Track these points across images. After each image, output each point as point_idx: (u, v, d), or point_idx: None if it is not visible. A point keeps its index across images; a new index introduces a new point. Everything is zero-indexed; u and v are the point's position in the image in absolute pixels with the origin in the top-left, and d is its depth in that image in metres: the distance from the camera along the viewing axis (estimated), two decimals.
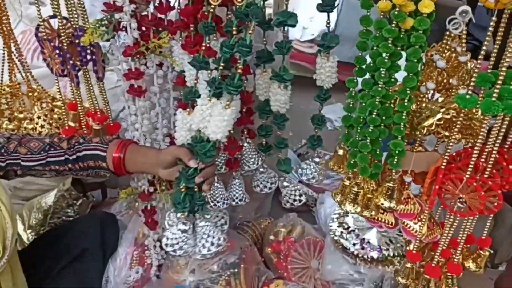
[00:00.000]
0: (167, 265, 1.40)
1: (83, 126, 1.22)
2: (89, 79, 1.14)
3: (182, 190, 0.95)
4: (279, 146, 1.18)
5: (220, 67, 0.89)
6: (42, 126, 1.26)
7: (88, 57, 1.07)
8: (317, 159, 1.25)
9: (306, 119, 1.21)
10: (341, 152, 1.12)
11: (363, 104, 0.92)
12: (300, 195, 1.28)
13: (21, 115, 1.29)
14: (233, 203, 1.27)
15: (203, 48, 0.95)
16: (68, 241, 1.29)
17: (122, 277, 1.33)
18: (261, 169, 1.25)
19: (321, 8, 0.96)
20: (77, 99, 1.17)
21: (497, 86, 0.81)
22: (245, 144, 1.20)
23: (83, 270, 1.27)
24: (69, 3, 1.06)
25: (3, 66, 1.25)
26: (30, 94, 1.27)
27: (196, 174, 0.94)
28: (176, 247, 1.03)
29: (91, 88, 1.15)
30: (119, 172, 1.05)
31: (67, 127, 1.21)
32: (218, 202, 1.23)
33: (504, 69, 0.80)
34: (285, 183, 1.26)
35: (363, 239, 1.50)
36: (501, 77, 0.80)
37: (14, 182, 1.77)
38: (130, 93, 1.07)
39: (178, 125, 0.99)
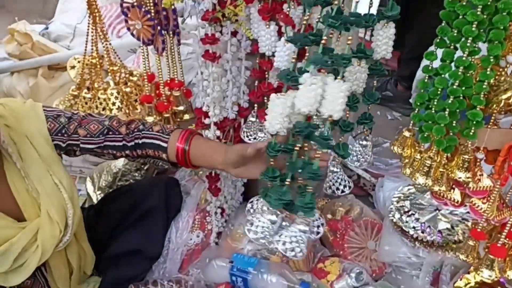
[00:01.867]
0: (226, 232, 1.43)
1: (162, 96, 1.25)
2: (172, 45, 1.19)
3: (287, 184, 0.84)
4: (344, 129, 1.08)
5: (323, 41, 0.80)
6: (116, 98, 1.30)
7: (173, 22, 1.11)
8: (364, 142, 1.15)
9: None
10: (407, 134, 1.10)
11: (443, 76, 0.91)
12: (345, 186, 1.19)
13: (96, 85, 1.35)
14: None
15: (281, 15, 0.96)
16: (134, 200, 1.35)
17: (183, 239, 1.38)
18: (334, 168, 1.17)
19: None
20: (158, 69, 1.21)
21: None
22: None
23: (147, 228, 1.33)
24: None
25: (87, 37, 1.31)
26: (110, 68, 1.33)
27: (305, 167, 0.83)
28: (260, 235, 0.92)
29: (173, 54, 1.19)
30: (182, 164, 1.03)
31: (147, 93, 1.24)
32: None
33: None
34: (334, 168, 1.17)
35: (424, 223, 1.48)
36: None
37: None
38: (205, 57, 1.10)
39: (274, 111, 0.83)
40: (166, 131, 1.05)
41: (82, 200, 1.66)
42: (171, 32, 1.15)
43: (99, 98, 1.29)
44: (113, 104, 1.27)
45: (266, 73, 1.13)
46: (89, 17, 1.30)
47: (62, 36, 2.22)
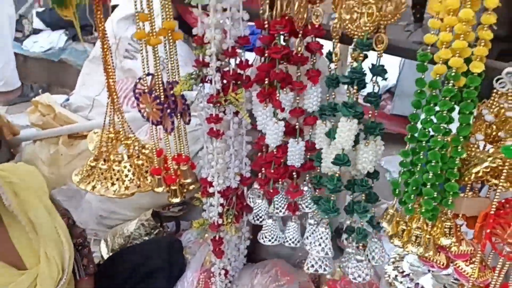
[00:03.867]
0: None
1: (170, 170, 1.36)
2: (180, 124, 1.31)
3: None
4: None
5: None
6: (129, 171, 1.41)
7: (182, 105, 1.24)
8: (359, 257, 1.19)
9: None
10: (391, 211, 1.14)
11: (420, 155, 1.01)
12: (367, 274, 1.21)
13: (112, 157, 1.46)
14: (286, 244, 1.32)
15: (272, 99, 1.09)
16: (138, 261, 1.42)
17: None
18: (358, 257, 1.19)
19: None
20: (166, 145, 1.33)
21: None
22: (305, 188, 1.28)
23: None
24: (160, 60, 1.24)
25: (106, 113, 1.43)
26: (125, 142, 1.45)
27: None
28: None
29: (180, 133, 1.31)
30: None
31: (156, 166, 1.36)
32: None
33: None
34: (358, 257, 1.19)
35: (417, 283, 1.53)
36: None
37: (100, 211, 1.97)
38: (210, 134, 1.21)
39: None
40: None
41: (96, 261, 1.73)
42: (179, 114, 1.27)
43: (113, 170, 1.40)
44: (126, 176, 1.38)
45: (264, 147, 1.24)
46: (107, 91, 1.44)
47: (82, 107, 2.38)
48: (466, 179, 1.03)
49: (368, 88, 1.02)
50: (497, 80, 0.99)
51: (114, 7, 2.64)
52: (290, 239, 1.31)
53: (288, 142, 1.18)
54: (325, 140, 1.11)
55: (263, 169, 1.26)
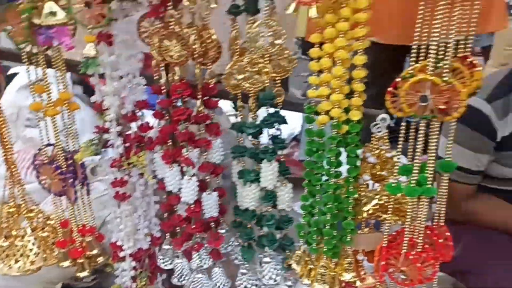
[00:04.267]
0: None
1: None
2: (83, 193, 1.28)
3: None
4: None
5: None
6: (33, 244, 1.34)
7: (82, 174, 1.22)
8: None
9: None
10: (299, 252, 1.20)
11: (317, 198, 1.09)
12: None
13: (14, 233, 1.39)
14: None
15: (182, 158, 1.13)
16: None
17: None
18: (243, 270, 1.26)
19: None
20: (71, 216, 1.29)
21: (415, 175, 1.00)
22: (222, 231, 1.29)
23: None
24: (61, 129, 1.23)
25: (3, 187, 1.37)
26: (28, 214, 1.39)
27: None
28: None
29: (84, 202, 1.29)
30: None
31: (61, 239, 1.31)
32: None
33: (417, 160, 1.00)
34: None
35: None
36: (416, 167, 0.99)
37: None
38: (116, 198, 1.21)
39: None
40: None
41: None
42: (80, 184, 1.25)
43: (16, 246, 1.32)
44: (31, 250, 1.31)
45: (175, 206, 1.25)
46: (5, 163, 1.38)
47: None
48: (360, 217, 1.12)
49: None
50: (373, 126, 1.11)
51: (14, 75, 2.58)
52: (220, 284, 1.31)
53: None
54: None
55: (177, 228, 1.26)
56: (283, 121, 1.09)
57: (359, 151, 1.09)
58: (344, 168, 1.12)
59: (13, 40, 1.11)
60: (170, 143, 1.18)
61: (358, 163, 1.10)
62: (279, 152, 1.13)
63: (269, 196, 1.14)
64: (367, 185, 1.18)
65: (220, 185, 1.22)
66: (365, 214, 1.10)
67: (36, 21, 1.03)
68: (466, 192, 1.44)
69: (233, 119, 1.22)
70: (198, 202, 1.21)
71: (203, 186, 1.22)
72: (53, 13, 1.02)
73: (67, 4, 1.04)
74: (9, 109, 2.43)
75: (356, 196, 1.12)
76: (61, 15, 1.02)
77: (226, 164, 1.22)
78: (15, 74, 2.57)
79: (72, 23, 1.05)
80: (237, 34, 1.02)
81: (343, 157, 1.10)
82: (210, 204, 1.20)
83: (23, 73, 2.48)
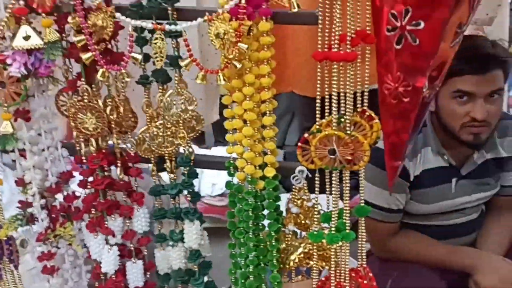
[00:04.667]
0: None
1: None
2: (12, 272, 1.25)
3: None
4: None
5: None
6: None
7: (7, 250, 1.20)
8: None
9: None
10: None
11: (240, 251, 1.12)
12: None
13: None
14: None
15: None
16: None
17: None
18: None
19: None
20: None
21: (333, 222, 1.06)
22: None
23: None
24: None
25: None
26: None
27: None
28: None
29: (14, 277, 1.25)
30: None
31: None
32: None
33: (334, 207, 1.06)
34: None
35: None
36: (335, 215, 1.05)
37: None
38: (44, 272, 1.19)
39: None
40: None
41: None
42: (7, 260, 1.22)
43: None
44: None
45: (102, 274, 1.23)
46: None
47: None
48: (287, 266, 1.16)
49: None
50: (293, 178, 1.17)
51: None
52: None
53: None
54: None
55: None
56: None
57: (278, 205, 1.14)
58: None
59: None
60: (95, 212, 1.17)
61: (278, 216, 1.14)
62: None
63: (194, 256, 1.15)
64: (296, 234, 1.23)
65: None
66: (291, 263, 1.14)
67: None
68: (389, 230, 1.51)
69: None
70: (121, 271, 1.20)
71: (129, 255, 1.21)
72: None
73: None
74: None
75: (283, 246, 1.16)
76: None
77: None
78: None
79: None
80: (148, 102, 1.06)
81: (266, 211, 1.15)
82: (135, 273, 1.20)
83: None
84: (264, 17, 0.96)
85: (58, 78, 1.08)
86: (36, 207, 1.13)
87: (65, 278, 1.24)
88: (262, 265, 1.13)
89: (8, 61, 0.99)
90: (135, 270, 1.20)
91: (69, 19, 0.97)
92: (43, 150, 1.13)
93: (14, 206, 1.23)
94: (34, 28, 0.99)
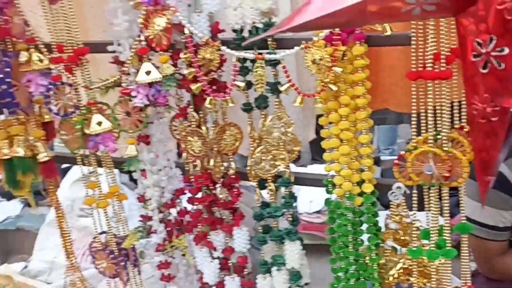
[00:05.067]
0: None
1: None
2: (134, 276, 1.41)
3: None
4: None
5: None
6: None
7: (133, 257, 1.35)
8: None
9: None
10: None
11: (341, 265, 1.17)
12: None
13: None
14: None
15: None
16: None
17: None
18: None
19: None
20: None
21: (433, 238, 1.06)
22: None
23: None
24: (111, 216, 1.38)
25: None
26: None
27: None
28: None
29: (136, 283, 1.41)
30: None
31: None
32: None
33: (434, 224, 1.06)
34: None
35: None
36: (434, 231, 1.06)
37: None
38: (163, 280, 1.32)
39: None
40: None
41: None
42: (132, 265, 1.38)
43: None
44: None
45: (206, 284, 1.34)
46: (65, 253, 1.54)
47: (41, 271, 2.41)
48: (387, 282, 1.17)
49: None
50: (391, 194, 1.19)
51: (68, 169, 2.82)
52: None
53: None
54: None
55: None
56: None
57: (377, 220, 1.17)
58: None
59: (68, 147, 1.29)
60: (201, 227, 1.28)
61: (377, 231, 1.17)
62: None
63: (296, 277, 1.21)
64: (395, 250, 1.24)
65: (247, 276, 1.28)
66: (391, 278, 1.16)
67: (86, 130, 1.21)
68: (497, 249, 1.45)
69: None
70: (221, 284, 1.28)
71: (228, 269, 1.29)
72: (99, 123, 1.20)
73: (111, 114, 1.22)
74: (64, 201, 2.65)
75: (382, 262, 1.18)
76: (106, 124, 1.20)
77: None
78: (68, 168, 2.81)
79: (116, 129, 1.23)
80: (252, 126, 1.16)
81: (364, 226, 1.18)
82: None
83: (75, 169, 2.72)
84: (358, 42, 1.01)
85: (172, 106, 1.22)
86: (155, 221, 1.28)
87: (180, 286, 1.37)
88: (363, 279, 1.16)
89: (133, 93, 1.14)
90: (232, 286, 1.27)
91: (181, 54, 1.10)
92: (160, 170, 1.27)
93: (132, 220, 1.40)
94: (153, 64, 1.13)
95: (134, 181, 1.97)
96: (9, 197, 3.47)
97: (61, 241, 1.53)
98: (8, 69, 1.19)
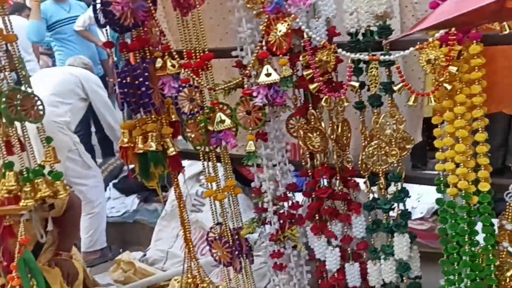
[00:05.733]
0: None
1: None
2: (246, 264, 1.52)
3: None
4: None
5: None
6: None
7: (246, 247, 1.47)
8: None
9: None
10: None
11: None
12: None
13: None
14: None
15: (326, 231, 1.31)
16: None
17: None
18: None
19: None
20: (237, 284, 1.53)
21: None
22: None
23: None
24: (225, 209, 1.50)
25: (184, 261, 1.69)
26: (202, 285, 1.67)
27: None
28: None
29: (247, 272, 1.52)
30: None
31: None
32: None
33: None
34: None
35: None
36: None
37: None
38: (274, 268, 1.42)
39: None
40: None
41: None
42: (245, 255, 1.49)
43: None
44: None
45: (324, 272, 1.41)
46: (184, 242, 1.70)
47: (157, 260, 2.65)
48: (503, 283, 1.16)
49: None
50: (506, 195, 1.18)
51: None
52: None
53: None
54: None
55: None
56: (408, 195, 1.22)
57: (493, 220, 1.16)
58: (481, 237, 1.19)
59: (191, 144, 1.44)
60: (317, 218, 1.37)
61: (493, 231, 1.16)
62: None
63: (403, 267, 1.24)
64: (508, 251, 1.22)
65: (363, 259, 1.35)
66: (507, 280, 1.14)
67: (210, 127, 1.35)
68: None
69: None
70: (341, 271, 1.36)
71: (347, 257, 1.37)
72: (222, 121, 1.33)
73: (232, 113, 1.35)
74: None
75: (496, 263, 1.17)
76: (228, 122, 1.32)
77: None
78: None
79: (235, 127, 1.35)
80: (364, 124, 1.21)
81: (478, 227, 1.18)
82: (353, 274, 1.34)
83: (188, 167, 2.94)
84: (474, 41, 1.03)
85: (289, 105, 1.31)
86: (270, 212, 1.37)
87: (291, 275, 1.45)
88: (478, 280, 1.16)
89: (254, 94, 1.25)
90: (352, 272, 1.34)
91: (300, 57, 1.19)
92: (275, 165, 1.37)
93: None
94: (272, 67, 1.23)
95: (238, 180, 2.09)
96: (127, 193, 3.82)
97: (181, 229, 1.68)
98: (147, 74, 1.35)
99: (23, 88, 1.27)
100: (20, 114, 1.25)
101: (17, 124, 1.29)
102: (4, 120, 1.29)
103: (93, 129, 4.38)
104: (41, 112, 1.32)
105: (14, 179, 1.30)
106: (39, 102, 1.31)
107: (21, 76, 1.28)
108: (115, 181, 3.92)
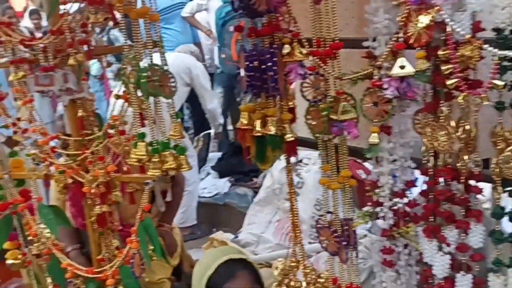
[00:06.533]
0: None
1: None
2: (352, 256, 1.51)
3: None
4: None
5: None
6: None
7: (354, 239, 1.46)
8: None
9: None
10: None
11: None
12: None
13: (292, 283, 1.70)
14: None
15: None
16: None
17: None
18: None
19: None
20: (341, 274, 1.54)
21: None
22: None
23: None
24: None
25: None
26: (304, 270, 1.69)
27: None
28: None
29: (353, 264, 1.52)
30: None
31: None
32: None
33: None
34: None
35: None
36: None
37: None
38: (384, 264, 1.40)
39: None
40: None
41: None
42: (352, 247, 1.48)
43: None
44: None
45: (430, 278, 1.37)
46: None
47: (249, 243, 2.72)
48: None
49: None
50: None
51: None
52: None
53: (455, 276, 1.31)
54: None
55: None
56: None
57: None
58: None
59: (312, 131, 1.46)
60: (432, 220, 1.33)
61: None
62: None
63: None
64: None
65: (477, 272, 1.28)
66: None
67: (333, 116, 1.36)
68: None
69: None
70: (450, 279, 1.30)
71: (458, 268, 1.31)
72: (346, 111, 1.33)
73: (355, 104, 1.34)
74: (274, 185, 2.93)
75: None
76: (353, 112, 1.32)
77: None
78: None
79: (357, 118, 1.35)
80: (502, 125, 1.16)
81: None
82: (464, 286, 1.28)
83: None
84: None
85: (418, 100, 1.28)
86: (385, 207, 1.36)
87: (399, 274, 1.43)
88: None
89: (385, 86, 1.24)
90: (464, 283, 1.28)
91: (440, 51, 1.16)
92: (396, 160, 1.35)
93: None
94: (406, 59, 1.21)
95: None
96: (221, 175, 3.96)
97: (290, 215, 1.71)
98: (275, 59, 1.39)
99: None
100: (158, 90, 1.34)
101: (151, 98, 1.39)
102: (140, 94, 1.39)
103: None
104: (174, 89, 1.41)
105: (144, 150, 1.40)
106: (172, 80, 1.40)
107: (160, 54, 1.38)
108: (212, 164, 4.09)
